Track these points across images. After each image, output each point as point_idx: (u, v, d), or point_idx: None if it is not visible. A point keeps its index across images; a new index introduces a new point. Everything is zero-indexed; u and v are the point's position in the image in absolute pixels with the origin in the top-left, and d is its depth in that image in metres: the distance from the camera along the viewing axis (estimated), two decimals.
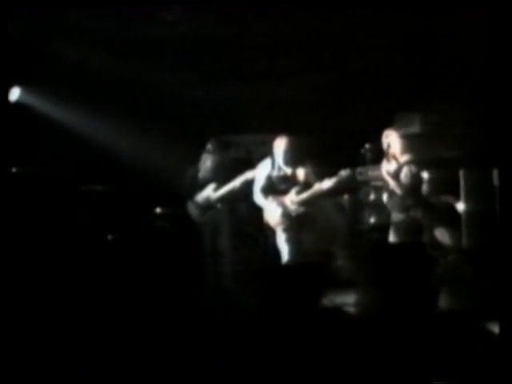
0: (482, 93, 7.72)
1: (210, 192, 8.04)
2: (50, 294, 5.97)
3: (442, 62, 8.51)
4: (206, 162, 8.15)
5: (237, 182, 7.86)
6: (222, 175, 8.04)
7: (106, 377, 4.75)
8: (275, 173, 7.63)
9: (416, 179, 7.55)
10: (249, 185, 7.83)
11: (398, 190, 7.49)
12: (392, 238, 7.53)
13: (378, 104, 9.01)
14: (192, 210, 8.14)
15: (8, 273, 5.24)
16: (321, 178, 7.50)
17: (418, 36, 8.22)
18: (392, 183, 7.52)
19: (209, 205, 8.04)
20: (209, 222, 8.08)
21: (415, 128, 9.05)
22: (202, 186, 8.13)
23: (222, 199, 7.98)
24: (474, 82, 8.27)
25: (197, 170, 8.20)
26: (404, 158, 7.56)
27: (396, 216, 7.55)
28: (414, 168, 7.54)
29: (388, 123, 8.48)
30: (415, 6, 7.52)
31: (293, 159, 7.55)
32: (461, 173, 7.87)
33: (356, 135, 8.34)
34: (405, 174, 7.52)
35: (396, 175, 7.55)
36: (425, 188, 7.64)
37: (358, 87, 9.06)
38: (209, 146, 8.14)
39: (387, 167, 7.59)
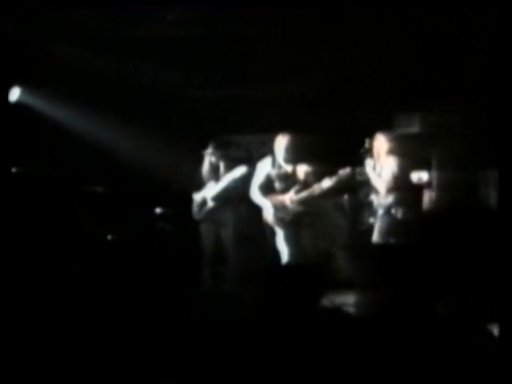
0: (482, 93, 7.73)
1: (208, 190, 8.05)
2: (50, 294, 5.98)
3: (441, 62, 8.51)
4: (206, 162, 8.15)
5: (225, 181, 7.88)
6: (221, 175, 8.04)
7: (104, 377, 4.76)
8: (275, 171, 7.61)
9: (398, 178, 7.55)
10: (245, 183, 7.81)
11: (380, 189, 7.53)
12: (374, 236, 7.56)
13: (377, 104, 9.01)
14: (193, 208, 8.16)
15: (8, 273, 5.24)
16: (321, 177, 7.50)
17: (418, 36, 8.21)
18: (375, 181, 7.55)
19: (204, 203, 8.05)
20: (207, 221, 8.08)
21: (415, 128, 9.06)
22: (201, 186, 8.15)
23: (217, 198, 7.95)
24: (474, 82, 8.28)
25: (197, 170, 8.22)
26: (388, 159, 7.57)
27: (378, 214, 7.59)
28: (396, 168, 7.54)
29: (387, 123, 8.51)
30: (415, 6, 7.52)
31: (294, 157, 7.53)
32: (458, 173, 7.90)
33: (356, 135, 8.33)
34: (386, 173, 7.55)
35: (379, 175, 7.58)
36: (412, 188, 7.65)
37: (358, 87, 9.07)
38: (209, 147, 8.15)
39: (372, 167, 7.61)
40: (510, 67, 4.79)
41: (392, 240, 7.50)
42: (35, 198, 7.58)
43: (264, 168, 7.67)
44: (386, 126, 7.99)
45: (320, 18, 7.95)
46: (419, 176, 7.62)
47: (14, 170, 7.41)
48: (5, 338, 4.81)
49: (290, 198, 7.52)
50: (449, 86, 8.61)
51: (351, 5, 7.56)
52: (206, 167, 8.16)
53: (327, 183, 7.41)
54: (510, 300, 4.38)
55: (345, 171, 7.45)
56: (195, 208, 8.17)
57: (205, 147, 8.18)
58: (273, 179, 7.64)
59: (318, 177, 7.53)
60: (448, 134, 8.86)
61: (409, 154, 7.71)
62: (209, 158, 8.14)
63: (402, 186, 7.58)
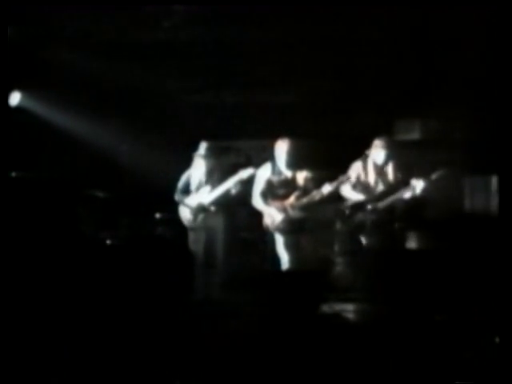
0: (482, 99, 7.74)
1: (203, 196, 7.88)
2: (50, 298, 5.98)
3: (442, 68, 8.53)
4: (200, 166, 7.88)
5: (230, 183, 7.70)
6: (218, 180, 7.85)
7: (100, 379, 4.77)
8: (275, 177, 7.59)
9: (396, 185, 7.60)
10: (245, 187, 7.71)
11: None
12: (373, 243, 7.61)
13: (378, 110, 9.02)
14: (184, 214, 7.98)
15: (9, 275, 5.24)
16: (321, 183, 7.49)
17: (418, 42, 8.23)
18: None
19: (202, 209, 7.88)
20: (203, 226, 7.89)
21: (415, 134, 9.07)
22: (195, 190, 7.90)
23: (216, 202, 7.81)
24: (474, 89, 8.29)
25: (189, 175, 8.01)
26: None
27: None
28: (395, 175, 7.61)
29: (388, 129, 8.51)
30: (415, 12, 7.53)
31: (295, 161, 7.50)
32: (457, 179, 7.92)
33: (356, 141, 8.33)
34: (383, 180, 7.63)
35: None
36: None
37: (358, 93, 9.08)
38: (201, 150, 7.85)
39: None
40: (510, 73, 4.80)
41: (390, 247, 7.50)
42: (35, 202, 7.58)
43: (264, 174, 7.65)
44: (386, 132, 7.99)
45: (320, 24, 7.96)
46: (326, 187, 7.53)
47: (14, 174, 7.41)
48: (4, 339, 4.81)
49: (290, 203, 7.51)
50: (449, 92, 8.63)
51: (352, 11, 7.58)
52: (200, 171, 7.90)
53: (327, 189, 7.40)
54: (509, 307, 4.38)
55: (344, 177, 7.45)
56: (189, 215, 7.89)
57: (197, 151, 7.86)
58: (273, 185, 7.61)
59: (318, 183, 7.52)
60: (448, 141, 8.89)
61: (408, 162, 7.73)
62: (205, 163, 7.91)
63: (399, 192, 7.59)
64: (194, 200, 7.86)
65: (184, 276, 7.34)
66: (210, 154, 7.83)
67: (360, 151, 7.95)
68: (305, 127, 8.59)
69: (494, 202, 8.08)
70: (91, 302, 6.04)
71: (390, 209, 7.55)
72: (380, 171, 7.62)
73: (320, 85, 9.08)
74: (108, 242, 7.82)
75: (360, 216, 7.68)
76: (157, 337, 5.34)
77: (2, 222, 5.21)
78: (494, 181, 8.27)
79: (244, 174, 7.62)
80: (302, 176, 7.54)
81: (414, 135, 9.08)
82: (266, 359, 4.90)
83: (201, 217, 7.85)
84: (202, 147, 7.83)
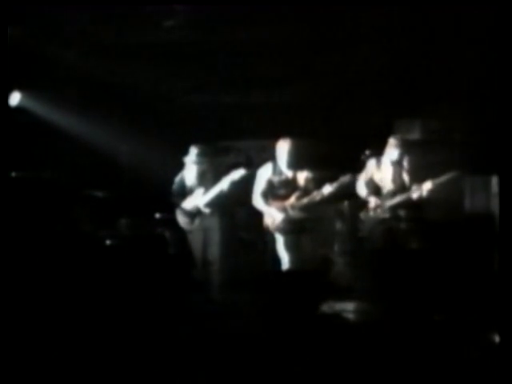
0: (483, 99, 7.74)
1: (197, 198, 7.87)
2: (50, 297, 5.98)
3: (442, 68, 8.53)
4: (192, 170, 7.86)
5: (222, 184, 7.69)
6: (212, 181, 7.80)
7: (99, 378, 4.77)
8: (276, 177, 7.59)
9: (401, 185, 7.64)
10: (238, 188, 7.69)
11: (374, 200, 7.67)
12: (373, 243, 7.64)
13: (378, 110, 9.03)
14: (180, 217, 7.97)
15: (8, 275, 5.24)
16: (321, 183, 7.49)
17: (418, 42, 8.23)
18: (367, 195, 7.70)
19: (197, 211, 7.86)
20: (200, 228, 7.85)
21: (415, 135, 9.07)
22: (190, 193, 7.89)
23: (211, 204, 7.77)
24: (474, 89, 8.29)
25: (183, 176, 7.94)
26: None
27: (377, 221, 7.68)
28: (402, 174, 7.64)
29: (388, 129, 8.52)
30: (415, 11, 7.53)
31: (296, 161, 7.50)
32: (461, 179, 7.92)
33: (357, 141, 8.34)
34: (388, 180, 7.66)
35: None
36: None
37: (359, 94, 9.08)
38: (191, 156, 7.80)
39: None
40: (510, 74, 4.80)
41: (390, 247, 7.51)
42: (35, 202, 7.58)
43: (265, 174, 7.64)
44: (386, 132, 8.00)
45: (320, 24, 7.96)
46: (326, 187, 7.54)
47: (13, 174, 7.41)
48: (3, 339, 4.80)
49: (291, 204, 7.51)
50: (449, 92, 8.63)
51: (352, 11, 7.58)
52: (192, 174, 7.86)
53: (328, 189, 7.40)
54: (509, 307, 4.38)
55: (345, 177, 7.44)
56: (185, 218, 7.87)
57: (188, 154, 7.80)
58: (274, 185, 7.60)
59: (318, 183, 7.52)
60: (448, 141, 8.89)
61: (421, 161, 7.75)
62: (196, 165, 7.80)
63: (402, 192, 7.60)
64: (189, 203, 7.84)
65: (183, 276, 7.35)
66: (200, 159, 7.77)
67: (360, 151, 7.97)
68: (305, 127, 8.60)
69: (494, 203, 8.09)
70: (90, 301, 6.04)
71: (396, 208, 7.57)
72: (393, 170, 7.64)
73: (320, 85, 9.08)
74: (107, 241, 7.83)
75: (365, 214, 7.71)
76: (156, 337, 5.34)
77: (1, 221, 5.20)
78: (494, 181, 8.26)
79: (236, 174, 7.60)
80: (302, 176, 7.54)
81: (414, 135, 9.08)
82: (265, 359, 4.90)
83: (197, 219, 7.83)
84: (192, 152, 7.79)
